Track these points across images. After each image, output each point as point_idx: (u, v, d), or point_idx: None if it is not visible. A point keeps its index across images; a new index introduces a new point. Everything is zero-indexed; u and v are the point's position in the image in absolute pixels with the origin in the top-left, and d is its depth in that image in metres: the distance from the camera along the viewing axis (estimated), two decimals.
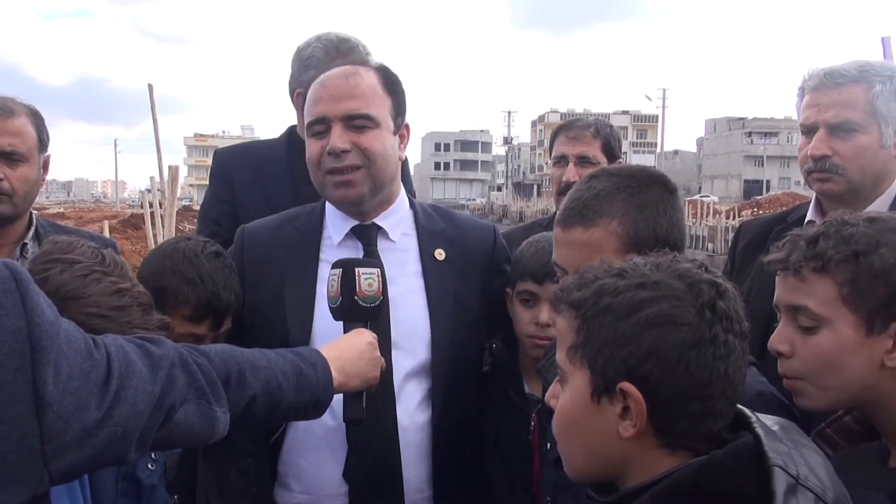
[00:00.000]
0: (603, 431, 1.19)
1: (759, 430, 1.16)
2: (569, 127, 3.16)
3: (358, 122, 2.03)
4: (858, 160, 2.21)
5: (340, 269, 1.86)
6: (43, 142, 2.48)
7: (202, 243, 2.10)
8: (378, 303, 1.86)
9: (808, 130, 2.28)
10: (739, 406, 1.22)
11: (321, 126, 2.06)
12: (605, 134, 3.08)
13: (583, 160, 3.05)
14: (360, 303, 1.84)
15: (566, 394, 1.24)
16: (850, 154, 2.20)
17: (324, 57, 2.84)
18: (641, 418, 1.14)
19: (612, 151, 3.10)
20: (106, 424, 1.19)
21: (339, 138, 2.02)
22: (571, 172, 3.04)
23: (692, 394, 1.14)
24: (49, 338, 1.13)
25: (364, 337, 1.82)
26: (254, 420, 1.56)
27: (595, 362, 1.18)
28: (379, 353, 1.82)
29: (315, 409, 1.64)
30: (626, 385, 1.14)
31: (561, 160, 3.12)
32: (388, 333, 2.06)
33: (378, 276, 1.87)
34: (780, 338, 1.49)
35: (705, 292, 1.17)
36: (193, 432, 1.38)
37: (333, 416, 1.91)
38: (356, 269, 1.85)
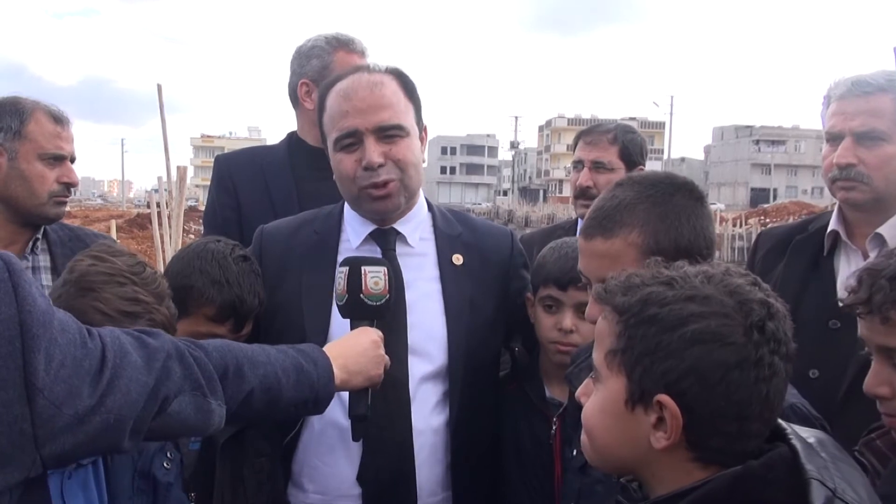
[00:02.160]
0: (634, 438, 1.17)
1: (796, 443, 1.14)
2: (588, 132, 3.20)
3: (390, 133, 2.03)
4: (884, 169, 2.19)
5: (347, 267, 1.87)
6: None
7: (231, 246, 2.14)
8: (384, 301, 1.87)
9: (834, 139, 2.25)
10: None
11: (351, 139, 2.04)
12: (623, 140, 3.10)
13: (598, 165, 3.09)
14: (366, 301, 1.85)
15: (599, 395, 1.23)
16: (875, 163, 2.18)
17: (325, 46, 2.89)
18: (676, 432, 1.13)
19: (630, 158, 3.11)
20: (98, 412, 1.22)
21: (374, 152, 2.01)
22: (585, 177, 3.08)
23: (730, 414, 1.11)
24: (40, 326, 1.16)
25: (368, 335, 1.82)
26: (252, 414, 1.58)
27: (633, 370, 1.16)
28: (383, 352, 1.82)
29: (315, 405, 1.65)
30: (665, 398, 1.12)
31: (578, 164, 3.16)
32: (405, 337, 2.07)
33: (385, 274, 1.87)
34: (878, 380, 1.45)
35: (756, 312, 1.13)
36: (188, 423, 1.40)
37: (348, 416, 1.91)
38: (362, 268, 1.86)
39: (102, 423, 1.23)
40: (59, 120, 2.47)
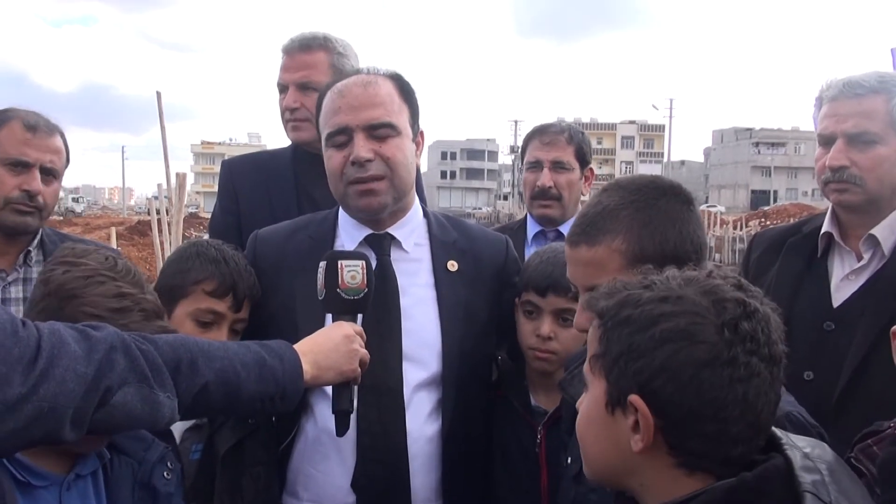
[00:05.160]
0: (617, 442, 1.17)
1: (790, 453, 1.12)
2: (543, 132, 3.18)
3: (380, 132, 2.03)
4: (877, 171, 2.18)
5: (325, 262, 1.86)
6: (68, 160, 2.57)
7: (222, 242, 2.23)
8: (362, 295, 1.84)
9: (826, 141, 2.25)
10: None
11: (342, 136, 2.05)
12: (577, 140, 3.13)
13: (557, 165, 3.09)
14: (343, 295, 1.83)
15: (586, 401, 1.23)
16: (868, 165, 2.18)
17: (287, 45, 2.90)
18: (648, 433, 1.12)
19: (584, 157, 3.14)
20: (30, 400, 1.22)
21: (362, 148, 2.02)
22: (546, 177, 3.08)
23: (705, 414, 1.10)
24: None
25: (342, 329, 1.79)
26: (211, 408, 1.58)
27: (610, 373, 1.16)
28: (357, 346, 1.79)
29: (283, 400, 1.63)
30: (635, 398, 1.12)
31: (535, 165, 3.14)
32: (399, 344, 2.06)
33: (363, 268, 1.85)
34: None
35: (729, 311, 1.12)
36: (135, 415, 1.39)
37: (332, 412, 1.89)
38: (339, 262, 1.85)
39: (35, 411, 1.23)
40: (31, 127, 2.41)
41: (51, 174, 2.46)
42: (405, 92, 2.12)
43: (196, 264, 2.08)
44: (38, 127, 2.42)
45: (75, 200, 65.47)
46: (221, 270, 2.07)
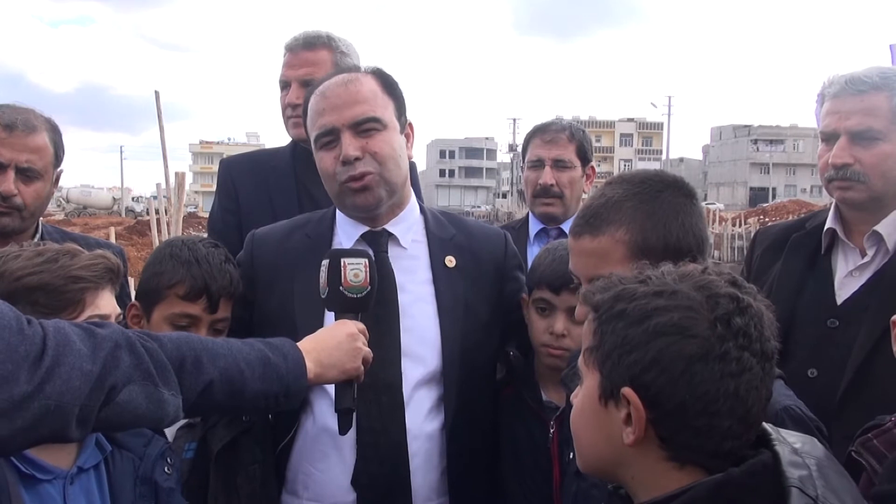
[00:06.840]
0: (609, 435, 1.18)
1: (779, 448, 1.14)
2: (544, 130, 3.18)
3: (366, 127, 2.04)
4: (881, 168, 2.18)
5: (328, 260, 1.86)
6: (59, 157, 2.48)
7: (202, 238, 2.21)
8: (365, 293, 1.85)
9: (829, 138, 2.24)
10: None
11: (330, 137, 2.06)
12: (578, 138, 3.14)
13: (559, 163, 3.10)
14: (346, 293, 1.83)
15: (580, 394, 1.25)
16: (872, 162, 2.17)
17: (291, 42, 2.92)
18: (640, 425, 1.13)
19: (585, 155, 3.15)
20: (36, 398, 1.22)
21: (349, 146, 2.02)
22: (548, 175, 3.09)
23: (695, 407, 1.11)
24: None
25: (345, 328, 1.79)
26: (215, 406, 1.58)
27: (604, 366, 1.18)
28: (361, 344, 1.79)
29: (287, 398, 1.64)
30: (627, 390, 1.13)
31: (537, 163, 3.15)
32: (398, 341, 2.06)
33: (365, 266, 1.85)
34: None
35: (722, 306, 1.14)
36: (140, 413, 1.39)
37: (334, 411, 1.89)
38: (342, 260, 1.85)
39: (41, 409, 1.23)
40: (8, 126, 2.32)
41: (29, 174, 2.37)
42: (388, 86, 2.12)
43: (168, 267, 2.07)
44: (14, 126, 2.33)
45: (135, 200, 62.32)
46: (193, 273, 2.05)
